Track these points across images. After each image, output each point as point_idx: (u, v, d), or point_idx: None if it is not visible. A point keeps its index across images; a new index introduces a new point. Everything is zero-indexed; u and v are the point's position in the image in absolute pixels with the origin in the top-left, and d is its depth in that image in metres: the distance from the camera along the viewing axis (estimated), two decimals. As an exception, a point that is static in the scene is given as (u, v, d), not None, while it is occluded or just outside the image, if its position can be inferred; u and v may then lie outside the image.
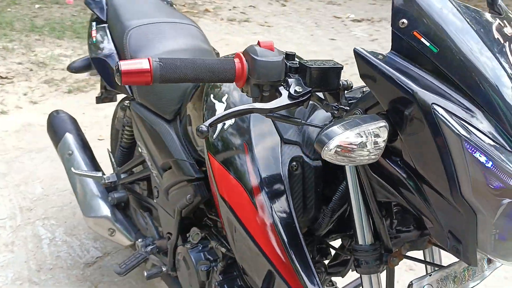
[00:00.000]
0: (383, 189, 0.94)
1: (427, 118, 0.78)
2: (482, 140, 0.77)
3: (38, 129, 3.30)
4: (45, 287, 2.12)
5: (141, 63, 0.88)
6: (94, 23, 1.99)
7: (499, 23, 0.85)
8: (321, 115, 1.14)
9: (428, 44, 0.81)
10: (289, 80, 0.93)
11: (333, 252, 1.29)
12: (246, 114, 0.92)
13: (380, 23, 5.79)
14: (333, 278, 1.42)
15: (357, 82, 0.93)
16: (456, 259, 1.03)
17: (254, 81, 0.92)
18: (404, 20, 0.83)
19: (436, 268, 1.05)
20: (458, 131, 0.77)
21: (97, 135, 3.23)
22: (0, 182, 2.77)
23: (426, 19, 0.82)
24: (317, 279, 1.04)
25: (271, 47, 0.93)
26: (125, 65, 0.87)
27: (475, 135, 0.77)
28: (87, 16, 5.41)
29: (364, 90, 1.00)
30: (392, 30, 0.84)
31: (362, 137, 0.79)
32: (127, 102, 1.93)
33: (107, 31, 1.95)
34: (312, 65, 0.92)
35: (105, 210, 1.95)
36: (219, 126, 1.18)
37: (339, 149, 0.79)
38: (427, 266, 1.16)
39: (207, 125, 0.87)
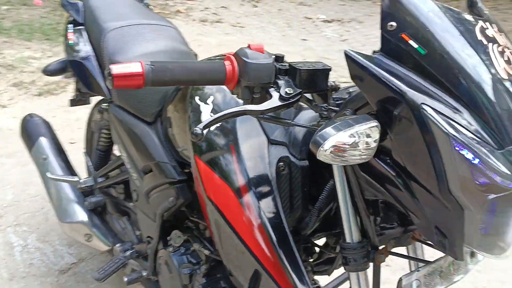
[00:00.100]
0: (371, 187, 0.95)
1: (416, 117, 0.80)
2: (469, 138, 0.79)
3: (7, 133, 3.22)
4: (19, 295, 2.07)
5: (133, 67, 0.87)
6: (70, 26, 1.95)
7: (481, 25, 0.87)
8: (306, 115, 1.15)
9: (416, 46, 0.83)
10: (279, 82, 0.93)
11: (317, 251, 1.30)
12: (239, 116, 0.92)
13: (350, 23, 5.87)
14: (316, 277, 1.43)
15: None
16: (441, 254, 1.06)
17: (245, 83, 0.93)
18: (393, 23, 0.84)
19: (422, 264, 1.07)
20: (447, 129, 0.78)
21: (68, 138, 3.16)
22: (-31, 188, 2.70)
23: (414, 22, 0.83)
24: (307, 278, 1.04)
25: (261, 50, 0.94)
26: (117, 69, 0.86)
27: (463, 133, 0.79)
28: (56, 18, 5.32)
29: (350, 90, 1.01)
30: (381, 33, 0.85)
31: (355, 137, 0.80)
32: (105, 104, 1.90)
33: (84, 33, 1.91)
34: (301, 67, 0.93)
35: (82, 215, 1.91)
36: (204, 128, 1.17)
37: (333, 150, 0.80)
38: (410, 261, 1.18)
39: (201, 127, 0.87)
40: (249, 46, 0.95)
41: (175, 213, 1.52)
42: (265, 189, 1.10)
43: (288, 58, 0.98)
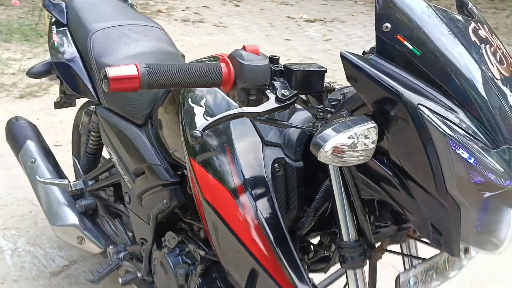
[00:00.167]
0: (368, 187, 0.97)
1: (413, 118, 0.82)
2: (464, 137, 0.81)
3: (-10, 137, 3.18)
4: (10, 299, 2.05)
5: (129, 69, 0.87)
6: (54, 27, 1.94)
7: (474, 26, 0.90)
8: (300, 116, 1.16)
9: (411, 47, 0.85)
10: (275, 83, 0.95)
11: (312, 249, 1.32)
12: (237, 118, 0.94)
13: (332, 23, 5.91)
14: (311, 275, 1.45)
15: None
16: (434, 251, 1.09)
17: (241, 85, 0.94)
18: (388, 24, 0.86)
19: (417, 261, 1.10)
20: (443, 130, 0.81)
21: (53, 141, 3.13)
22: (-46, 193, 2.66)
23: (409, 23, 0.86)
24: (305, 276, 1.06)
25: (257, 51, 0.95)
26: (112, 72, 0.87)
27: (459, 133, 0.81)
28: (35, 18, 5.25)
29: (345, 91, 1.03)
30: (376, 34, 0.88)
31: (353, 138, 0.82)
32: (92, 107, 1.89)
33: (68, 34, 1.90)
34: (297, 68, 0.95)
35: (73, 218, 1.90)
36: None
37: (333, 151, 0.81)
38: (405, 258, 1.20)
39: (201, 130, 0.87)
40: (244, 48, 0.97)
41: (168, 215, 1.52)
42: (261, 190, 1.11)
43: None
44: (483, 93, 0.84)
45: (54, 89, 3.90)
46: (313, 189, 1.15)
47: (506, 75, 0.89)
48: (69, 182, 1.92)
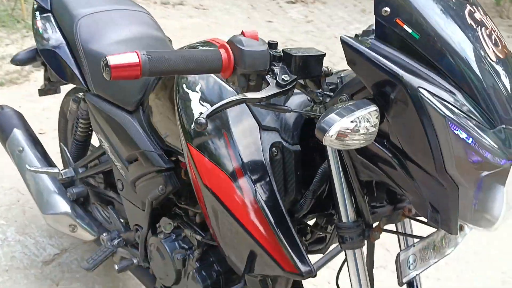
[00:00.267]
0: (367, 169, 0.99)
1: (413, 100, 0.84)
2: (463, 118, 0.83)
3: (-28, 126, 3.12)
4: (3, 289, 2.05)
5: (130, 57, 0.87)
6: (37, 13, 1.90)
7: (469, 9, 0.92)
8: (296, 100, 1.17)
9: (410, 30, 0.86)
10: (275, 69, 0.95)
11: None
12: (240, 104, 0.94)
13: (314, 4, 5.89)
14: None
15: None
16: (428, 229, 1.12)
17: (241, 71, 0.94)
18: (387, 8, 0.87)
19: (414, 240, 1.13)
20: (443, 111, 0.83)
21: (37, 129, 3.07)
22: None
23: (408, 7, 0.87)
24: (306, 256, 1.08)
25: (256, 37, 0.95)
26: (113, 60, 0.86)
27: (457, 114, 0.83)
28: (11, 3, 5.12)
29: (342, 75, 1.04)
30: (375, 18, 0.88)
31: (356, 122, 0.84)
32: (80, 94, 1.87)
33: (52, 20, 1.87)
34: (296, 53, 0.95)
35: (64, 206, 1.90)
36: (197, 115, 1.18)
37: (338, 135, 0.83)
38: (400, 238, 1.23)
39: (205, 117, 0.88)
40: (242, 34, 0.97)
41: (163, 201, 1.53)
42: (260, 173, 1.12)
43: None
44: (480, 75, 0.86)
45: (34, 76, 3.84)
46: (310, 172, 1.17)
47: (501, 56, 0.91)
48: (59, 170, 1.90)
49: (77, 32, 1.73)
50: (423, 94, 0.83)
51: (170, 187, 1.45)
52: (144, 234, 1.59)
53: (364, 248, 1.10)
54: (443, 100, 0.84)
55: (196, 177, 1.18)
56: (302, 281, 1.44)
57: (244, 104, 0.97)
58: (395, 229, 1.22)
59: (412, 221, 1.21)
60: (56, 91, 2.25)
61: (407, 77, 0.84)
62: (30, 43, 4.36)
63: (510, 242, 2.48)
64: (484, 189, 0.89)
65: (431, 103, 0.83)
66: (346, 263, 1.10)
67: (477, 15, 0.92)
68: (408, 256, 1.03)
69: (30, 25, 4.79)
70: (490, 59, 0.88)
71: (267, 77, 0.96)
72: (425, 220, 1.14)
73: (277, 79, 0.94)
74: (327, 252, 1.51)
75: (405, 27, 0.86)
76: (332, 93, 0.99)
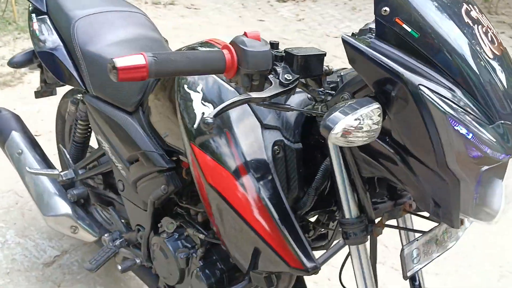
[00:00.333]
0: (369, 165, 1.01)
1: (414, 98, 0.86)
2: (463, 114, 0.86)
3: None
4: (4, 292, 2.05)
5: (136, 59, 0.89)
6: (33, 15, 1.91)
7: (466, 7, 0.94)
8: (296, 99, 1.19)
9: (409, 29, 0.88)
10: (277, 68, 0.97)
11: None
12: (245, 103, 0.96)
13: (305, 3, 5.91)
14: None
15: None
16: (432, 225, 1.15)
17: (245, 71, 0.96)
18: (386, 8, 0.89)
19: (415, 234, 1.16)
20: (443, 108, 0.85)
21: (33, 131, 3.05)
22: None
23: (406, 7, 0.89)
24: (311, 252, 1.11)
25: (258, 37, 0.97)
26: (120, 62, 0.88)
27: (457, 110, 0.86)
28: (2, 5, 5.10)
29: (342, 74, 1.06)
30: (375, 18, 0.91)
31: (360, 120, 0.86)
32: (79, 95, 1.88)
33: (49, 22, 1.88)
34: (298, 53, 0.97)
35: (65, 207, 1.90)
36: (199, 116, 1.20)
37: (343, 133, 0.85)
38: (402, 232, 1.26)
39: (212, 116, 0.90)
40: (245, 34, 0.99)
41: (164, 201, 1.54)
42: (263, 171, 1.14)
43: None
44: (477, 71, 0.88)
45: (28, 78, 3.83)
46: (311, 170, 1.19)
47: (497, 53, 0.94)
48: (59, 172, 1.91)
49: (75, 34, 1.74)
50: (423, 91, 0.85)
51: (172, 186, 1.47)
52: (146, 234, 1.60)
53: (367, 243, 1.12)
54: (443, 97, 0.86)
55: (200, 176, 1.19)
56: (304, 278, 1.47)
57: (246, 103, 0.99)
58: (396, 225, 1.24)
59: (412, 216, 1.24)
60: (52, 93, 2.26)
61: (408, 75, 0.87)
62: (22, 45, 4.35)
63: (507, 236, 2.52)
64: (483, 184, 0.92)
65: (431, 100, 0.85)
66: (350, 258, 1.12)
67: (473, 14, 0.94)
68: (412, 250, 1.06)
69: (22, 27, 4.79)
70: (487, 56, 0.91)
71: (270, 76, 0.98)
72: (426, 215, 1.17)
73: (280, 78, 0.96)
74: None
75: (405, 26, 0.89)
76: (333, 92, 1.02)
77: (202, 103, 1.21)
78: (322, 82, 1.03)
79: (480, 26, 0.93)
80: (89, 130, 1.96)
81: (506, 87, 0.91)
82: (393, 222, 1.22)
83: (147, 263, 1.64)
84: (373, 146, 0.96)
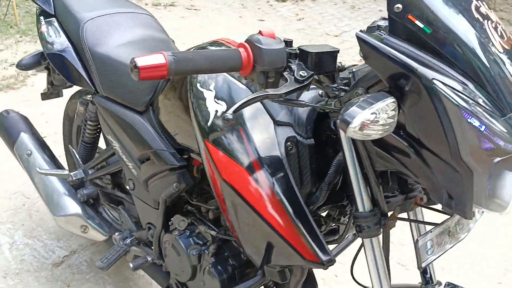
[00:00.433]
0: (383, 159, 1.03)
1: (428, 92, 0.88)
2: (475, 107, 0.88)
3: (-27, 132, 3.12)
4: (15, 292, 2.07)
5: (157, 58, 0.91)
6: (41, 17, 1.93)
7: (475, 3, 0.96)
8: (308, 96, 1.21)
9: (422, 25, 0.90)
10: (292, 66, 1.00)
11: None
12: (262, 99, 0.98)
13: (304, 2, 5.94)
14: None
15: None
16: (439, 217, 1.17)
17: (260, 69, 0.98)
18: (399, 5, 0.92)
19: (425, 226, 1.18)
20: (457, 101, 0.87)
21: (38, 133, 3.12)
22: None
23: (418, 4, 0.91)
24: (326, 246, 1.13)
25: (273, 36, 0.99)
26: (141, 61, 0.90)
27: (470, 103, 0.88)
28: (3, 9, 5.11)
29: (353, 70, 1.08)
30: (388, 15, 0.93)
31: (376, 114, 0.88)
32: (88, 96, 1.90)
33: (57, 24, 1.90)
34: (312, 50, 1.00)
35: (75, 207, 1.93)
36: (212, 113, 1.22)
37: (360, 126, 0.87)
38: (412, 225, 1.28)
39: (231, 112, 0.92)
40: (260, 33, 1.01)
41: (175, 199, 1.56)
42: (277, 167, 1.16)
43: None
44: (488, 65, 0.90)
45: (31, 81, 3.85)
46: (323, 165, 1.21)
47: (507, 48, 0.96)
48: (69, 172, 1.93)
49: (83, 36, 1.76)
50: (437, 86, 0.87)
51: (184, 184, 1.49)
52: (158, 232, 1.62)
53: (380, 236, 1.14)
54: (456, 90, 0.88)
55: (214, 173, 1.21)
56: (314, 273, 1.49)
57: (263, 100, 1.01)
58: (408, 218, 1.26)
59: (423, 209, 1.26)
60: (59, 95, 2.27)
61: (421, 69, 0.89)
62: (24, 48, 4.37)
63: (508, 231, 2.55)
64: (494, 176, 0.94)
65: (445, 94, 0.87)
66: (364, 251, 1.14)
67: (483, 9, 0.97)
68: (426, 242, 1.08)
69: (23, 30, 4.80)
70: (497, 50, 0.93)
71: (285, 73, 1.00)
72: (437, 208, 1.19)
73: (295, 75, 0.98)
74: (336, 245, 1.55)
75: (417, 22, 0.91)
76: (346, 88, 1.04)
77: (215, 101, 1.23)
78: (335, 79, 1.05)
79: (489, 21, 0.95)
80: (98, 130, 1.98)
81: None
82: (404, 216, 1.24)
83: (159, 260, 1.66)
84: (387, 140, 0.98)
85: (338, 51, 1.03)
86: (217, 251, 1.46)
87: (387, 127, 0.90)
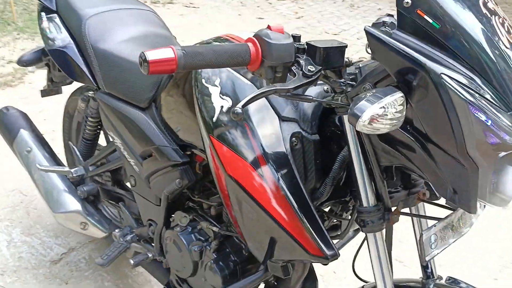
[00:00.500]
0: (388, 154, 1.03)
1: (436, 86, 0.88)
2: (482, 102, 0.88)
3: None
4: (13, 289, 2.06)
5: (166, 52, 0.90)
6: (43, 14, 1.92)
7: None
8: (313, 91, 1.21)
9: (430, 20, 0.90)
10: (300, 60, 0.99)
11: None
12: (271, 94, 0.98)
13: (303, 0, 5.93)
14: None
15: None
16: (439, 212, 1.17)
17: (269, 63, 0.98)
18: (408, 0, 0.92)
19: (427, 221, 1.18)
20: (464, 96, 0.87)
21: (36, 131, 3.10)
22: None
23: None
24: (331, 241, 1.13)
25: (281, 30, 0.99)
26: (151, 55, 0.89)
27: (477, 98, 0.88)
28: (0, 6, 5.08)
29: (360, 65, 1.08)
30: (397, 10, 0.93)
31: (385, 108, 0.88)
32: (90, 92, 1.89)
33: (58, 20, 1.89)
34: (320, 45, 0.99)
35: (75, 204, 1.92)
36: (218, 108, 1.22)
37: (370, 121, 0.87)
38: (414, 220, 1.27)
39: (240, 106, 0.92)
40: (269, 27, 1.00)
41: (177, 195, 1.56)
42: (282, 162, 1.16)
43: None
44: (495, 60, 0.91)
45: (29, 78, 3.83)
46: (328, 161, 1.21)
47: None
48: (69, 168, 1.92)
49: (86, 32, 1.75)
50: (445, 80, 0.87)
51: (186, 180, 1.49)
52: (159, 228, 1.61)
53: (383, 231, 1.14)
54: (464, 85, 0.88)
55: (219, 168, 1.21)
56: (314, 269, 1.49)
57: (272, 94, 1.01)
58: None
59: (425, 205, 1.26)
60: (58, 91, 2.27)
61: (430, 64, 0.89)
62: (21, 45, 4.35)
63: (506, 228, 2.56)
64: (497, 171, 0.94)
65: (453, 88, 0.87)
66: (367, 246, 1.14)
67: (490, 5, 0.97)
68: (430, 236, 1.08)
69: (21, 28, 4.78)
70: (504, 45, 0.93)
71: (293, 68, 0.99)
72: (440, 203, 1.19)
73: (303, 70, 0.98)
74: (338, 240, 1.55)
75: (426, 17, 0.91)
76: (353, 83, 1.04)
77: (220, 96, 1.23)
78: (342, 74, 1.05)
79: (496, 17, 0.95)
80: (99, 127, 1.97)
81: None
82: (406, 211, 1.24)
83: (159, 257, 1.66)
84: (394, 135, 0.98)
85: (346, 46, 1.03)
86: (219, 247, 1.46)
87: (395, 121, 0.90)
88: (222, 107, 1.22)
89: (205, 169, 1.52)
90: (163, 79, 1.56)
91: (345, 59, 1.04)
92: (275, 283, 1.50)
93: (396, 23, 0.99)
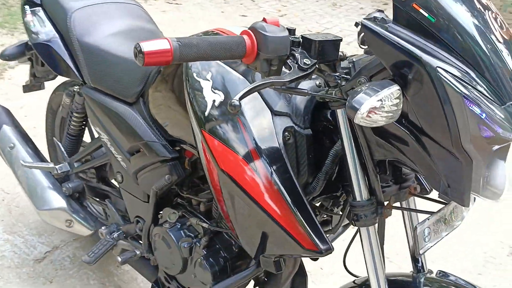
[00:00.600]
0: (382, 147, 1.04)
1: (432, 79, 0.89)
2: (477, 96, 0.89)
3: None
4: (-5, 289, 2.01)
5: (162, 44, 0.89)
6: (27, 7, 1.88)
7: None
8: (306, 85, 1.21)
9: (426, 14, 0.91)
10: (295, 54, 0.99)
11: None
12: (267, 87, 0.97)
13: (286, -2, 5.96)
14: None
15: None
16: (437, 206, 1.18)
17: (264, 56, 0.97)
18: None
19: (417, 215, 1.19)
20: (459, 89, 0.88)
21: (16, 127, 3.04)
22: None
23: None
24: (325, 235, 1.12)
25: (277, 23, 0.99)
26: (146, 46, 0.88)
27: (472, 91, 0.89)
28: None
29: (354, 60, 1.08)
30: (393, 3, 0.93)
31: (382, 101, 0.88)
32: (75, 87, 1.86)
33: (43, 14, 1.86)
34: (316, 38, 0.99)
35: (60, 201, 1.89)
36: (210, 103, 1.21)
37: (368, 113, 0.87)
38: (405, 214, 1.28)
39: (237, 99, 0.91)
40: (264, 20, 1.00)
41: (166, 191, 1.54)
42: (275, 157, 1.15)
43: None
44: (490, 55, 0.91)
45: (8, 74, 3.76)
46: (320, 155, 1.21)
47: (506, 38, 0.97)
48: (54, 165, 1.89)
49: (72, 26, 1.72)
50: (441, 74, 0.88)
51: (176, 176, 1.47)
52: (147, 225, 1.59)
53: (376, 225, 1.15)
54: (459, 79, 0.89)
55: (211, 162, 1.20)
56: (304, 265, 1.49)
57: (268, 87, 1.00)
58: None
59: (416, 199, 1.27)
60: (41, 87, 2.23)
61: (426, 57, 0.89)
62: (0, 40, 4.27)
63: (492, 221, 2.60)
64: (489, 164, 0.95)
65: (448, 82, 0.88)
66: (360, 240, 1.14)
67: (484, 0, 0.98)
68: (423, 229, 1.09)
69: (0, 23, 4.65)
70: (498, 40, 0.94)
71: (288, 61, 0.99)
72: (431, 197, 1.20)
73: (299, 63, 0.98)
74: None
75: (421, 11, 0.91)
76: (348, 77, 1.04)
77: (212, 90, 1.22)
78: (336, 68, 1.05)
79: (490, 12, 0.96)
80: (84, 122, 1.94)
81: None
82: (398, 205, 1.25)
83: (148, 254, 1.64)
84: (388, 128, 0.99)
85: (341, 40, 1.03)
86: (209, 244, 1.45)
87: (392, 114, 0.91)
88: (214, 101, 1.20)
89: (194, 165, 1.50)
90: (151, 73, 1.54)
91: (340, 53, 1.04)
92: (265, 279, 1.50)
93: (386, 18, 0.99)
